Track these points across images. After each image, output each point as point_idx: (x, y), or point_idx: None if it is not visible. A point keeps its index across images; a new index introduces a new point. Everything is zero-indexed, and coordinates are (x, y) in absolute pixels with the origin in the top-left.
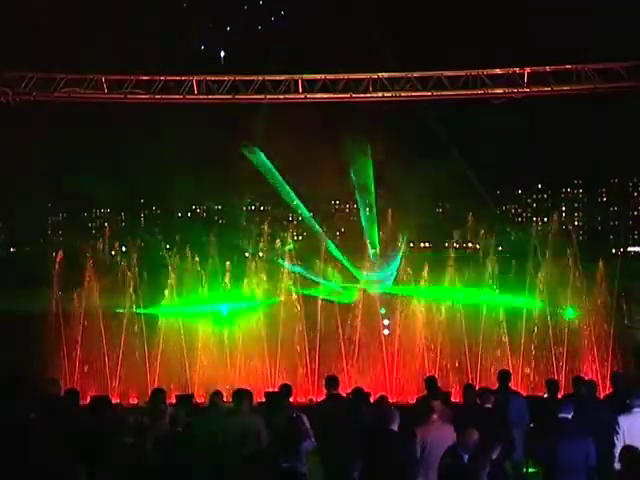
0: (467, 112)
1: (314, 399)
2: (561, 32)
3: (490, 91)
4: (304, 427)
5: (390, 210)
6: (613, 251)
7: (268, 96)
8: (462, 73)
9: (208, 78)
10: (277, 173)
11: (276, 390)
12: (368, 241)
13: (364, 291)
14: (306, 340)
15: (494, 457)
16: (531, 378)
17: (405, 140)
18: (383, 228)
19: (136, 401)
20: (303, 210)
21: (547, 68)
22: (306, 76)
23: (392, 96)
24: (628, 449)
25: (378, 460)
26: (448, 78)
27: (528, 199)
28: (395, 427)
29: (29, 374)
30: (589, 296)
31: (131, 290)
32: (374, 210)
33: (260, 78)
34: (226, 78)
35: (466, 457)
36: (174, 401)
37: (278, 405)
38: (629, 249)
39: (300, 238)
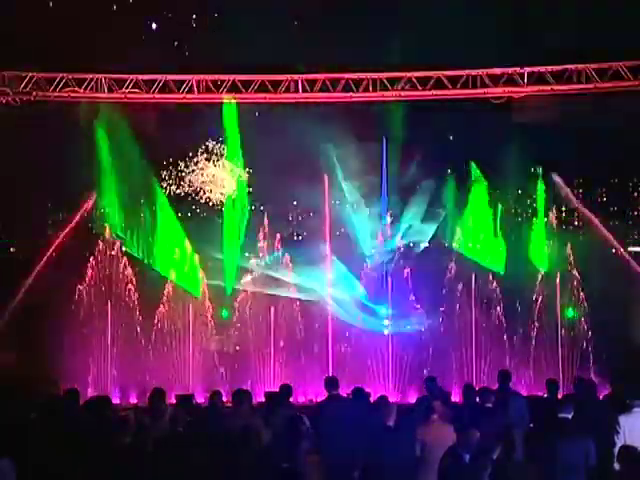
0: (467, 112)
1: (314, 399)
2: (561, 32)
3: (490, 91)
4: (304, 427)
5: None
6: (613, 251)
7: (268, 96)
8: (462, 73)
9: (208, 78)
10: None
11: (276, 390)
12: None
13: None
14: None
15: (495, 457)
16: None
17: None
18: None
19: (136, 401)
20: None
21: (547, 68)
22: (306, 76)
23: (392, 96)
24: (627, 449)
25: (379, 460)
26: (448, 78)
27: (528, 199)
28: (391, 423)
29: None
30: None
31: None
32: None
33: (260, 78)
34: (226, 78)
35: (467, 457)
36: (174, 401)
37: (278, 405)
38: (629, 249)
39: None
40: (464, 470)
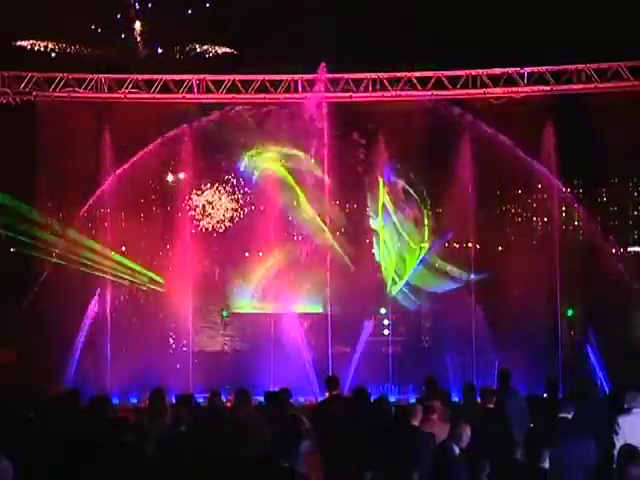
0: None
1: (314, 399)
2: (560, 32)
3: (490, 91)
4: (304, 427)
5: None
6: (613, 251)
7: (268, 96)
8: (462, 73)
9: (208, 78)
10: None
11: (276, 390)
12: None
13: None
14: None
15: (495, 458)
16: None
17: None
18: None
19: (136, 401)
20: None
21: (547, 68)
22: (306, 76)
23: (392, 96)
24: (628, 448)
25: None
26: (448, 78)
27: (528, 199)
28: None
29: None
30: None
31: None
32: None
33: (260, 78)
34: (226, 78)
35: (457, 449)
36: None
37: (278, 405)
38: (629, 249)
39: None
40: (453, 461)
